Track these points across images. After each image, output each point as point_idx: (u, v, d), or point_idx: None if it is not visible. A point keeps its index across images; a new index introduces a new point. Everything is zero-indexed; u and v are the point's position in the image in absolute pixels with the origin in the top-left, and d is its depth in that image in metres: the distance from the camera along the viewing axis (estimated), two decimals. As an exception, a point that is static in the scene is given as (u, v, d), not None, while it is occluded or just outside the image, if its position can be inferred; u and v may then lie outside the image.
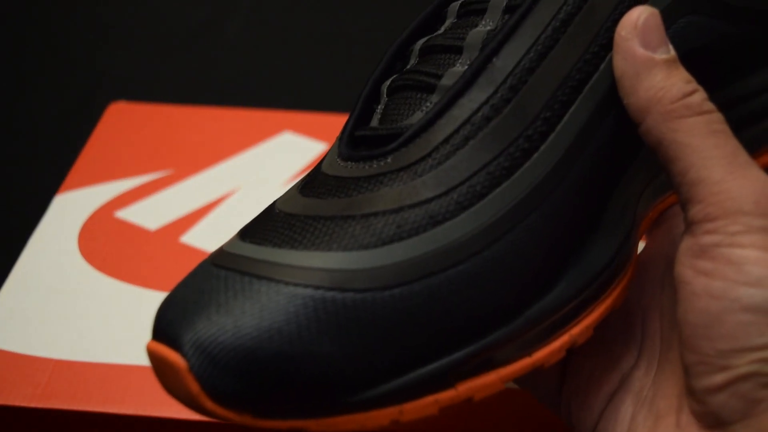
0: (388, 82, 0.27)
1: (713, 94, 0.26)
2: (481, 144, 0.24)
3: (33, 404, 0.33)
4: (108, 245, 0.41)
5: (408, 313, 0.22)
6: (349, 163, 0.25)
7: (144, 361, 0.35)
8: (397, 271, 0.22)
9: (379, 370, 0.22)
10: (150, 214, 0.43)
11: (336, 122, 0.48)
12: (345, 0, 0.68)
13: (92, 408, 0.33)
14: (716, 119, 0.24)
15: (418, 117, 0.25)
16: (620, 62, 0.24)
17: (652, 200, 0.28)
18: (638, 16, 0.24)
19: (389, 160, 0.24)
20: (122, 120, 0.48)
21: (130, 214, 0.43)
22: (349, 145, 0.26)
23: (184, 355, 0.21)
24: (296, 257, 0.22)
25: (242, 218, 0.28)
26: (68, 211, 0.43)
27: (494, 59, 0.24)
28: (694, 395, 0.23)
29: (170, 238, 0.41)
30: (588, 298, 0.25)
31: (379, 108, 0.27)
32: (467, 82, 0.24)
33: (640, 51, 0.24)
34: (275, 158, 0.46)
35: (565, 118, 0.24)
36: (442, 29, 0.27)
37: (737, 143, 0.24)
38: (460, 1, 0.27)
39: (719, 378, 0.22)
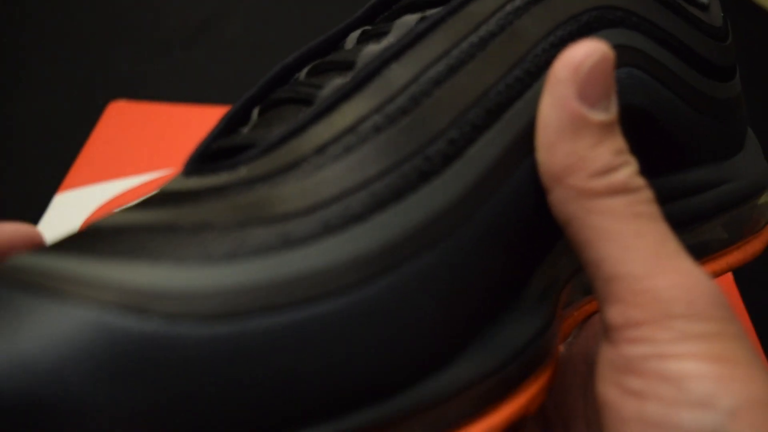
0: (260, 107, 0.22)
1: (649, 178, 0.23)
2: (367, 157, 0.19)
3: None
4: (108, 244, 0.41)
5: (234, 363, 0.15)
6: (192, 177, 0.20)
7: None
8: (225, 299, 0.16)
9: None
10: (150, 212, 0.42)
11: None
12: (345, 0, 0.68)
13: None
14: (642, 198, 0.19)
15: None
16: (547, 107, 0.19)
17: (581, 297, 0.24)
18: (585, 57, 0.19)
19: (243, 171, 0.19)
20: (122, 119, 0.48)
21: (130, 212, 0.42)
22: (200, 160, 0.20)
23: None
24: (90, 268, 0.16)
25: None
26: (69, 210, 0.43)
27: (392, 65, 0.20)
28: None
29: (171, 236, 0.41)
30: (494, 388, 0.19)
31: (246, 129, 0.21)
32: (353, 88, 0.20)
33: (574, 104, 0.19)
34: (276, 156, 0.45)
35: (477, 143, 0.19)
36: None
37: (666, 228, 0.19)
38: (360, 30, 0.23)
39: None
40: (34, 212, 0.46)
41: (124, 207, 0.19)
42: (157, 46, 0.64)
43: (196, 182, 0.19)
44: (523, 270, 0.21)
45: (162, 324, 0.15)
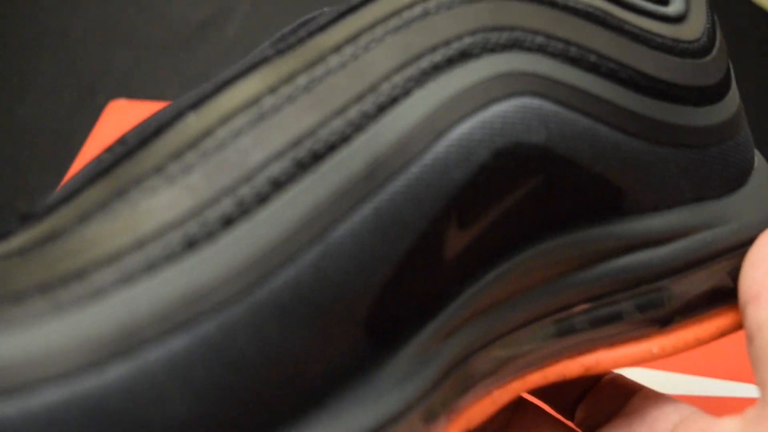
0: None
1: (551, 237, 0.19)
2: (137, 220, 0.16)
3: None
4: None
5: None
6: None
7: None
8: None
9: None
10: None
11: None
12: (345, 0, 0.68)
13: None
14: None
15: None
16: None
17: (497, 375, 0.20)
18: None
19: (13, 242, 0.17)
20: (122, 118, 0.48)
21: (130, 212, 0.42)
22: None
23: None
24: None
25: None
26: (68, 209, 0.42)
27: (188, 115, 0.18)
28: None
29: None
30: None
31: None
32: (140, 143, 0.18)
33: None
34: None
35: (274, 202, 0.17)
36: None
37: None
38: None
39: None
40: (33, 212, 0.46)
41: None
42: (157, 46, 0.64)
43: None
44: (366, 345, 0.17)
45: None
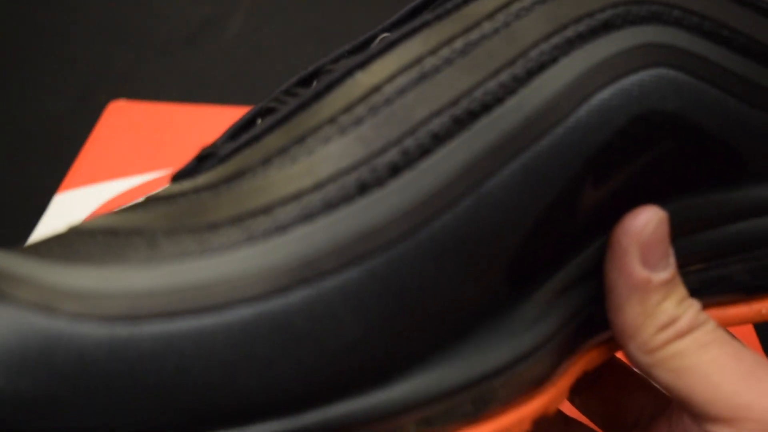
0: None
1: (674, 200, 0.21)
2: (313, 166, 0.18)
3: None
4: (108, 244, 0.41)
5: (129, 363, 0.16)
6: (172, 183, 0.20)
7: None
8: (125, 302, 0.16)
9: None
10: (150, 212, 0.42)
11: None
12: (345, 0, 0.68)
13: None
14: (708, 329, 0.20)
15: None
16: (612, 274, 0.20)
17: (586, 335, 0.22)
18: (645, 224, 0.20)
19: (200, 179, 0.19)
20: (122, 118, 0.48)
21: (130, 212, 0.42)
22: (192, 165, 0.21)
23: None
24: (28, 268, 0.17)
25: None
26: (68, 210, 0.42)
27: (357, 74, 0.20)
28: None
29: (171, 236, 0.41)
30: (456, 409, 0.18)
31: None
32: (311, 99, 0.19)
33: (639, 271, 0.20)
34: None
35: (435, 155, 0.18)
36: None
37: (736, 344, 0.20)
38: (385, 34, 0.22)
39: None
40: (34, 212, 0.46)
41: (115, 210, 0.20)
42: (157, 46, 0.64)
43: (166, 189, 0.19)
44: (506, 288, 0.19)
45: (67, 323, 0.16)
